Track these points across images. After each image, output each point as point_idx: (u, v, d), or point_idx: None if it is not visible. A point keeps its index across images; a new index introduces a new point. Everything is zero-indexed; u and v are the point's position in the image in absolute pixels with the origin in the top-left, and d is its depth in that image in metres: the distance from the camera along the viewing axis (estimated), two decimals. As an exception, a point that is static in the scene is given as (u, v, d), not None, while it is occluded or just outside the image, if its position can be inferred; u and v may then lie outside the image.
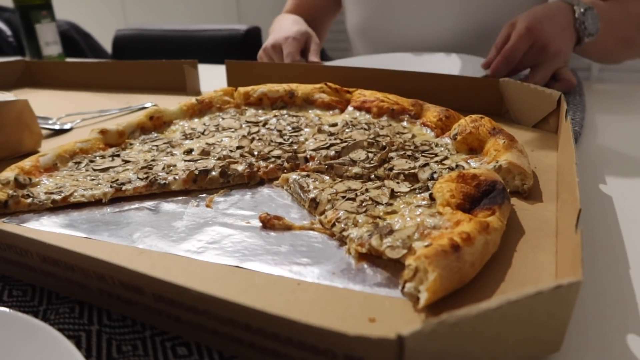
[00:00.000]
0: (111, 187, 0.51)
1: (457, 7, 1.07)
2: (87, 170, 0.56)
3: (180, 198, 0.51)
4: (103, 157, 0.59)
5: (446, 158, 0.54)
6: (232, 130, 0.67)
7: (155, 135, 0.66)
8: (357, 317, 0.33)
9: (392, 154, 0.56)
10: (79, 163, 0.58)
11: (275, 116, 0.71)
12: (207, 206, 0.49)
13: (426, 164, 0.52)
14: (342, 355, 0.26)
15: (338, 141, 0.59)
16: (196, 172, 0.53)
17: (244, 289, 0.36)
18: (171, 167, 0.55)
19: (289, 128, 0.66)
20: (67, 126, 0.77)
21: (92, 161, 0.58)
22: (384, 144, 0.57)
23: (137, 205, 0.50)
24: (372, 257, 0.39)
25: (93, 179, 0.54)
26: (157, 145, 0.62)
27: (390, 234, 0.39)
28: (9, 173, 0.52)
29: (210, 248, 0.42)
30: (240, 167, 0.54)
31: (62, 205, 0.50)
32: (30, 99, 0.65)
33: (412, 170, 0.51)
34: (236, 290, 0.36)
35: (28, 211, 0.49)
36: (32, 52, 1.34)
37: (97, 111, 0.84)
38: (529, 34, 0.79)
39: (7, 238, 0.37)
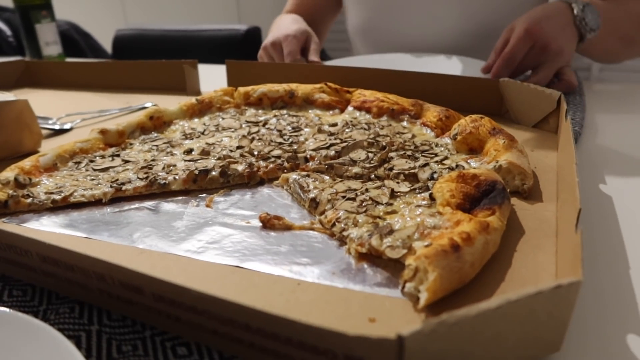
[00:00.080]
0: (111, 187, 0.51)
1: (458, 8, 1.07)
2: (87, 170, 0.56)
3: (180, 198, 0.51)
4: (103, 157, 0.59)
5: (446, 158, 0.54)
6: (232, 130, 0.67)
7: (155, 135, 0.66)
8: (357, 317, 0.33)
9: (392, 154, 0.56)
10: (79, 163, 0.58)
11: (275, 116, 0.71)
12: (207, 206, 0.50)
13: (426, 164, 0.52)
14: (342, 355, 0.26)
15: (338, 141, 0.59)
16: (196, 172, 0.53)
17: (244, 289, 0.36)
18: (171, 167, 0.55)
19: (289, 128, 0.66)
20: (67, 126, 0.77)
21: (92, 161, 0.58)
22: (384, 144, 0.57)
23: (137, 205, 0.50)
24: (372, 257, 0.39)
25: (93, 179, 0.54)
26: (157, 145, 0.62)
27: (390, 233, 0.39)
28: (9, 173, 0.52)
29: (210, 248, 0.42)
30: (240, 167, 0.54)
31: (62, 205, 0.50)
32: (30, 99, 0.65)
33: (412, 170, 0.51)
34: (236, 290, 0.36)
35: (28, 211, 0.49)
36: (32, 52, 1.34)
37: (97, 111, 0.84)
38: (528, 36, 0.79)
39: (7, 238, 0.37)
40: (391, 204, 0.45)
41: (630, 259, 0.41)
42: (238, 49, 1.74)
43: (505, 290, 0.35)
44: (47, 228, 0.46)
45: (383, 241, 0.39)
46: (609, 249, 0.43)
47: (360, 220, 0.42)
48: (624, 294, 0.37)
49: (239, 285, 0.37)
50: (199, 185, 0.53)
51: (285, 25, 1.07)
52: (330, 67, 0.88)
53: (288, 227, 0.45)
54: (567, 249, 0.35)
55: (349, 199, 0.46)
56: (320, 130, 0.64)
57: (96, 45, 2.02)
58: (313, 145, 0.59)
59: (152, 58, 1.04)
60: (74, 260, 0.34)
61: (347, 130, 0.63)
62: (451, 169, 0.51)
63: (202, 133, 0.66)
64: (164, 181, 0.52)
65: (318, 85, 0.75)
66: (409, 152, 0.56)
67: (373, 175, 0.52)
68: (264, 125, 0.68)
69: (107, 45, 2.03)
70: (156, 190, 0.52)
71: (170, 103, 0.73)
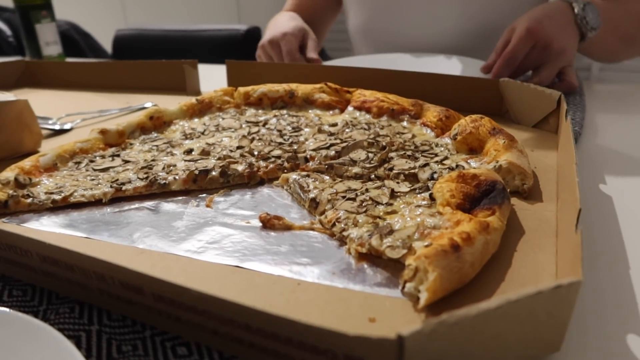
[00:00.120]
0: (111, 187, 0.51)
1: (458, 8, 1.07)
2: (87, 170, 0.56)
3: (180, 198, 0.51)
4: (103, 157, 0.59)
5: (446, 158, 0.54)
6: (232, 130, 0.67)
7: (155, 135, 0.66)
8: (357, 317, 0.33)
9: (392, 154, 0.56)
10: (79, 163, 0.58)
11: (275, 116, 0.71)
12: (207, 206, 0.50)
13: (426, 164, 0.52)
14: (342, 355, 0.26)
15: (338, 141, 0.59)
16: (196, 172, 0.53)
17: (244, 289, 0.36)
18: (171, 167, 0.55)
19: (289, 128, 0.66)
20: (67, 126, 0.77)
21: (92, 161, 0.58)
22: (384, 144, 0.57)
23: (137, 205, 0.50)
24: (372, 257, 0.39)
25: (93, 179, 0.54)
26: (157, 145, 0.62)
27: (390, 234, 0.39)
28: (9, 173, 0.52)
29: (210, 248, 0.42)
30: (240, 167, 0.54)
31: (62, 205, 0.50)
32: (30, 99, 0.65)
33: (412, 170, 0.51)
34: (236, 290, 0.36)
35: (28, 211, 0.49)
36: (32, 52, 1.34)
37: (97, 111, 0.84)
38: (529, 36, 0.79)
39: (7, 238, 0.37)
40: (391, 204, 0.45)
41: (630, 259, 0.41)
42: (238, 49, 1.74)
43: (505, 290, 0.35)
44: (47, 228, 0.46)
45: (383, 241, 0.39)
46: (609, 249, 0.43)
47: (360, 220, 0.42)
48: (624, 294, 0.37)
49: (239, 285, 0.37)
50: (199, 185, 0.53)
51: (282, 23, 1.07)
52: (330, 67, 0.88)
53: (288, 227, 0.45)
54: (567, 249, 0.35)
55: (349, 199, 0.46)
56: (320, 130, 0.64)
57: (96, 45, 2.02)
58: (313, 145, 0.59)
59: (152, 58, 1.04)
60: (74, 260, 0.34)
61: (347, 130, 0.63)
62: (451, 169, 0.51)
63: (202, 133, 0.66)
64: (164, 181, 0.52)
65: (318, 85, 0.75)
66: (409, 152, 0.56)
67: (373, 175, 0.52)
68: (264, 125, 0.68)
69: (107, 45, 2.03)
70: (156, 190, 0.52)
71: (170, 103, 0.73)
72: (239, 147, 0.60)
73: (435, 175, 0.50)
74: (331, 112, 0.72)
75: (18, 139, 0.63)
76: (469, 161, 0.53)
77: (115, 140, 0.64)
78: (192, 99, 0.74)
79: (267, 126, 0.67)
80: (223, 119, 0.71)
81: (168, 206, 0.50)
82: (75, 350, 0.27)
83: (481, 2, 1.06)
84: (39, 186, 0.52)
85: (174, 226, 0.46)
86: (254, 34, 1.79)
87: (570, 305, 0.28)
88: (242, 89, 0.76)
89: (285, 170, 0.55)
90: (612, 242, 0.44)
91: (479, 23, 1.07)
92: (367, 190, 0.48)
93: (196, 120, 0.71)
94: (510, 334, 0.28)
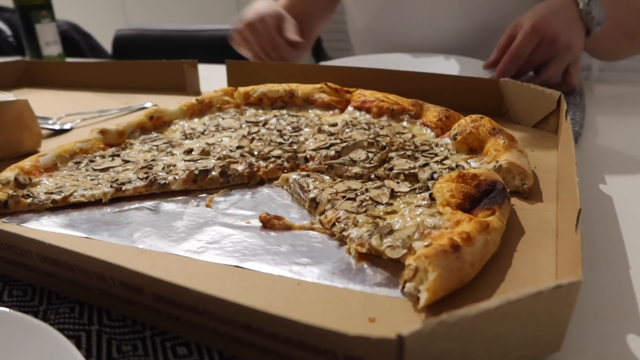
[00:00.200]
0: (111, 187, 0.51)
1: (458, 8, 1.07)
2: (87, 170, 0.56)
3: (180, 198, 0.51)
4: (103, 157, 0.59)
5: (446, 158, 0.54)
6: (232, 130, 0.67)
7: (155, 135, 0.66)
8: (357, 317, 0.33)
9: (392, 154, 0.56)
10: (79, 163, 0.58)
11: (275, 116, 0.71)
12: (207, 206, 0.50)
13: (426, 164, 0.52)
14: (342, 355, 0.26)
15: (338, 141, 0.59)
16: (196, 172, 0.53)
17: (244, 289, 0.36)
18: (171, 167, 0.55)
19: (289, 128, 0.66)
20: (67, 126, 0.77)
21: (92, 161, 0.58)
22: (384, 144, 0.57)
23: (137, 205, 0.50)
24: (372, 257, 0.39)
25: (93, 179, 0.54)
26: (157, 145, 0.62)
27: (390, 233, 0.39)
28: (9, 173, 0.52)
29: (210, 248, 0.42)
30: (240, 167, 0.54)
31: (62, 205, 0.50)
32: (30, 99, 0.65)
33: (412, 170, 0.51)
34: (236, 290, 0.36)
35: (28, 211, 0.49)
36: (32, 52, 1.34)
37: (97, 111, 0.84)
38: (535, 32, 0.78)
39: (7, 238, 0.37)
40: (391, 204, 0.45)
41: (630, 259, 0.41)
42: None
43: (505, 290, 0.35)
44: (47, 228, 0.46)
45: (383, 241, 0.39)
46: (609, 249, 0.43)
47: (360, 220, 0.42)
48: (624, 294, 0.37)
49: (239, 285, 0.37)
50: (199, 185, 0.53)
51: (257, 6, 1.04)
52: (330, 67, 0.88)
53: (288, 227, 0.45)
54: (567, 249, 0.35)
55: (349, 199, 0.46)
56: (320, 130, 0.64)
57: (96, 45, 2.02)
58: (313, 145, 0.59)
59: (152, 58, 1.04)
60: (74, 260, 0.34)
61: (347, 130, 0.63)
62: (451, 169, 0.51)
63: (202, 133, 0.66)
64: (164, 181, 0.52)
65: (318, 85, 0.75)
66: (409, 152, 0.56)
67: (373, 175, 0.52)
68: (264, 125, 0.68)
69: (107, 45, 2.03)
70: (156, 190, 0.52)
71: (170, 103, 0.73)
72: (239, 147, 0.60)
73: (435, 175, 0.50)
74: (331, 112, 0.72)
75: (18, 139, 0.63)
76: (469, 161, 0.53)
77: (115, 140, 0.64)
78: (192, 99, 0.74)
79: (267, 126, 0.67)
80: (223, 119, 0.71)
81: (168, 206, 0.50)
82: (75, 350, 0.27)
83: (481, 2, 1.06)
84: (39, 186, 0.52)
85: (174, 226, 0.46)
86: (254, 34, 1.78)
87: (570, 305, 0.28)
88: (242, 89, 0.76)
89: (285, 170, 0.55)
90: (612, 242, 0.44)
91: (479, 23, 1.07)
92: (367, 190, 0.48)
93: (196, 120, 0.71)
94: (510, 334, 0.28)
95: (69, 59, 1.42)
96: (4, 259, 0.39)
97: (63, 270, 0.35)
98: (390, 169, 0.52)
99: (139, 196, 0.52)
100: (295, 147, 0.59)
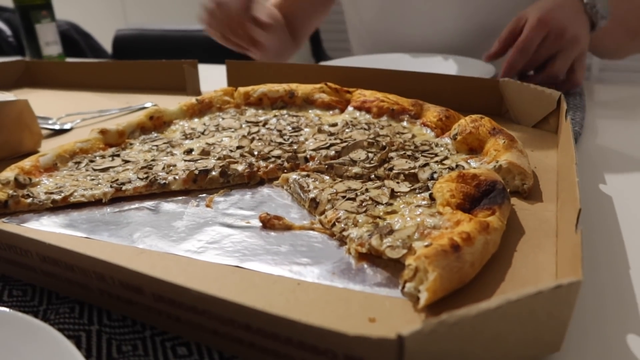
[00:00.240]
0: (111, 187, 0.51)
1: (457, 8, 1.07)
2: (87, 170, 0.56)
3: (180, 198, 0.51)
4: (103, 157, 0.59)
5: (446, 158, 0.54)
6: (232, 130, 0.67)
7: (155, 135, 0.66)
8: (357, 317, 0.33)
9: (392, 154, 0.56)
10: (79, 163, 0.58)
11: (275, 116, 0.71)
12: (207, 206, 0.49)
13: (426, 164, 0.52)
14: (342, 355, 0.26)
15: (338, 141, 0.59)
16: (196, 172, 0.53)
17: (244, 289, 0.36)
18: (171, 167, 0.55)
19: (289, 128, 0.66)
20: (67, 126, 0.77)
21: (92, 161, 0.58)
22: (384, 144, 0.57)
23: (137, 205, 0.50)
24: (372, 257, 0.39)
25: (93, 179, 0.54)
26: (157, 145, 0.62)
27: (390, 233, 0.39)
28: (9, 173, 0.52)
29: (210, 248, 0.42)
30: (240, 167, 0.54)
31: (62, 205, 0.50)
32: (30, 99, 0.65)
33: (412, 170, 0.51)
34: (236, 290, 0.36)
35: (28, 211, 0.49)
36: (32, 52, 1.34)
37: (97, 111, 0.84)
38: (542, 25, 0.78)
39: (7, 238, 0.37)
40: (391, 204, 0.45)
41: (630, 259, 0.41)
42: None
43: (505, 290, 0.35)
44: (47, 228, 0.46)
45: (383, 241, 0.39)
46: (609, 249, 0.43)
47: (360, 220, 0.42)
48: (624, 294, 0.37)
49: (239, 285, 0.37)
50: (199, 185, 0.53)
51: None
52: (330, 67, 0.88)
53: (288, 227, 0.45)
54: (567, 249, 0.35)
55: (349, 199, 0.46)
56: (320, 130, 0.64)
57: (96, 45, 2.02)
58: (313, 145, 0.59)
59: (152, 58, 1.04)
60: (74, 260, 0.34)
61: (347, 130, 0.63)
62: (451, 169, 0.51)
63: (202, 133, 0.66)
64: (164, 181, 0.52)
65: (318, 85, 0.75)
66: (409, 152, 0.56)
67: (373, 175, 0.52)
68: (264, 125, 0.68)
69: (107, 45, 2.03)
70: (156, 190, 0.52)
71: (170, 103, 0.73)
72: (239, 147, 0.60)
73: (435, 175, 0.50)
74: (331, 112, 0.72)
75: (18, 139, 0.63)
76: (469, 161, 0.53)
77: (115, 140, 0.64)
78: (192, 99, 0.74)
79: (267, 126, 0.67)
80: (223, 119, 0.71)
81: (168, 206, 0.50)
82: (75, 350, 0.27)
83: (480, 2, 1.06)
84: (39, 186, 0.52)
85: (174, 226, 0.46)
86: (254, 34, 1.78)
87: (570, 305, 0.28)
88: (242, 89, 0.76)
89: (285, 170, 0.55)
90: (612, 242, 0.44)
91: (478, 23, 1.07)
92: (367, 190, 0.48)
93: (196, 120, 0.71)
94: (510, 334, 0.28)
95: (69, 59, 1.42)
96: (4, 259, 0.39)
97: (63, 270, 0.35)
98: (390, 169, 0.52)
99: (139, 196, 0.52)
100: (295, 147, 0.59)
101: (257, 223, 0.46)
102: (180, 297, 0.30)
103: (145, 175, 0.53)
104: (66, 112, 0.83)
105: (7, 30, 1.83)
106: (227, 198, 0.51)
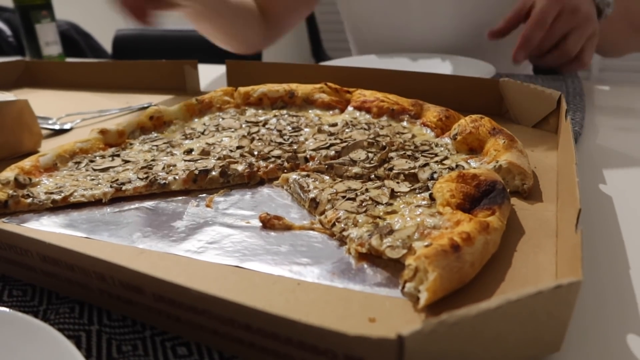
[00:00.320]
0: (111, 187, 0.51)
1: (453, 8, 1.07)
2: (87, 170, 0.56)
3: (180, 198, 0.51)
4: (103, 157, 0.59)
5: (446, 158, 0.54)
6: (232, 130, 0.67)
7: (155, 135, 0.66)
8: (357, 317, 0.33)
9: (392, 154, 0.56)
10: (79, 163, 0.58)
11: (275, 116, 0.71)
12: (207, 206, 0.50)
13: (426, 164, 0.52)
14: (342, 355, 0.26)
15: (338, 141, 0.59)
16: (196, 172, 0.53)
17: (244, 289, 0.36)
18: (171, 167, 0.55)
19: (289, 128, 0.66)
20: (67, 126, 0.77)
21: (92, 161, 0.58)
22: (384, 144, 0.57)
23: (137, 205, 0.50)
24: (372, 257, 0.39)
25: (93, 179, 0.54)
26: (157, 145, 0.62)
27: (390, 233, 0.39)
28: (9, 173, 0.52)
29: (210, 248, 0.42)
30: (240, 167, 0.54)
31: (62, 205, 0.50)
32: (30, 99, 0.65)
33: (412, 170, 0.51)
34: (236, 290, 0.36)
35: (28, 211, 0.49)
36: (32, 52, 1.34)
37: (97, 111, 0.84)
38: (556, 1, 0.77)
39: (7, 238, 0.37)
40: (391, 204, 0.45)
41: (630, 259, 0.41)
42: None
43: (505, 290, 0.35)
44: (47, 228, 0.46)
45: (383, 241, 0.39)
46: (609, 249, 0.43)
47: (360, 220, 0.42)
48: (624, 294, 0.37)
49: (239, 285, 0.37)
50: (199, 185, 0.53)
51: None
52: (330, 67, 0.88)
53: (288, 227, 0.45)
54: (567, 249, 0.35)
55: (349, 199, 0.46)
56: (320, 130, 0.64)
57: (96, 45, 2.02)
58: (313, 145, 0.59)
59: (152, 58, 1.04)
60: (74, 260, 0.34)
61: (347, 130, 0.63)
62: (451, 169, 0.51)
63: (202, 133, 0.66)
64: (164, 181, 0.52)
65: (318, 85, 0.75)
66: (409, 152, 0.56)
67: (373, 175, 0.52)
68: (264, 125, 0.68)
69: (107, 45, 2.03)
70: (156, 190, 0.52)
71: (170, 103, 0.73)
72: (239, 147, 0.60)
73: (435, 175, 0.50)
74: (331, 112, 0.72)
75: (18, 139, 0.63)
76: (469, 161, 0.53)
77: (115, 140, 0.64)
78: (192, 99, 0.74)
79: (267, 126, 0.67)
80: (223, 119, 0.71)
81: (168, 206, 0.50)
82: (75, 350, 0.27)
83: (476, 2, 1.06)
84: (39, 186, 0.52)
85: (174, 226, 0.46)
86: (254, 34, 1.78)
87: (570, 305, 0.28)
88: (242, 89, 0.76)
89: (285, 170, 0.55)
90: (612, 242, 0.44)
91: (474, 23, 1.07)
92: (367, 190, 0.48)
93: (196, 120, 0.71)
94: (510, 334, 0.28)
95: (69, 59, 1.42)
96: (4, 259, 0.39)
97: (63, 270, 0.35)
98: (390, 169, 0.52)
99: (139, 196, 0.52)
100: (295, 147, 0.59)
101: (257, 223, 0.46)
102: (180, 297, 0.30)
103: (145, 175, 0.53)
104: (66, 112, 0.83)
105: (7, 30, 1.83)
106: (227, 198, 0.51)
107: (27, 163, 0.55)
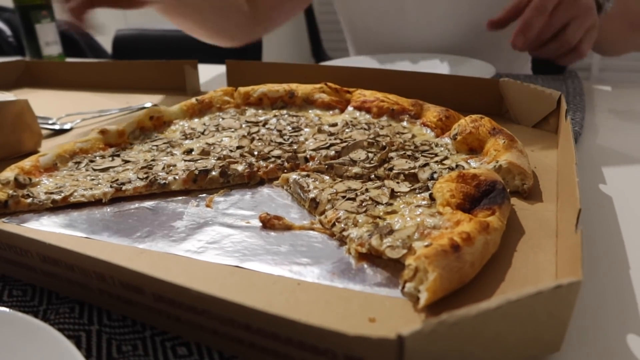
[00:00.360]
0: (111, 187, 0.51)
1: (450, 8, 1.07)
2: (87, 170, 0.56)
3: (180, 198, 0.51)
4: (103, 157, 0.59)
5: (446, 158, 0.54)
6: (232, 130, 0.67)
7: (155, 135, 0.66)
8: (357, 317, 0.33)
9: (392, 154, 0.56)
10: (79, 163, 0.58)
11: (275, 116, 0.71)
12: (207, 206, 0.50)
13: (426, 164, 0.52)
14: (342, 355, 0.26)
15: (338, 141, 0.59)
16: (196, 172, 0.53)
17: (244, 289, 0.36)
18: (171, 167, 0.55)
19: (289, 128, 0.66)
20: (67, 126, 0.77)
21: (92, 161, 0.58)
22: (384, 144, 0.57)
23: (137, 205, 0.50)
24: (372, 257, 0.39)
25: (93, 179, 0.54)
26: (157, 145, 0.62)
27: (390, 233, 0.39)
28: (9, 173, 0.52)
29: (210, 248, 0.42)
30: (240, 167, 0.54)
31: (62, 205, 0.50)
32: (30, 99, 0.65)
33: (412, 170, 0.51)
34: (236, 290, 0.36)
35: (28, 211, 0.49)
36: (32, 52, 1.34)
37: (97, 111, 0.84)
38: None
39: (7, 238, 0.37)
40: (391, 204, 0.45)
41: (630, 259, 0.41)
42: (238, 49, 1.74)
43: (505, 290, 0.35)
44: (47, 228, 0.46)
45: (383, 241, 0.39)
46: (609, 249, 0.43)
47: (360, 220, 0.42)
48: (624, 294, 0.37)
49: (239, 285, 0.37)
50: (199, 185, 0.53)
51: None
52: (330, 67, 0.88)
53: (288, 227, 0.45)
54: (567, 249, 0.35)
55: (349, 199, 0.46)
56: (320, 130, 0.64)
57: (96, 45, 2.02)
58: (313, 145, 0.59)
59: (152, 58, 1.04)
60: (74, 260, 0.34)
61: (347, 130, 0.63)
62: (451, 169, 0.51)
63: (202, 133, 0.66)
64: (164, 181, 0.52)
65: (318, 85, 0.75)
66: (409, 152, 0.56)
67: (373, 175, 0.52)
68: (264, 125, 0.68)
69: (107, 45, 2.03)
70: (156, 190, 0.52)
71: (170, 103, 0.73)
72: (239, 147, 0.60)
73: (435, 175, 0.50)
74: (331, 112, 0.72)
75: (18, 139, 0.63)
76: (469, 161, 0.53)
77: (115, 140, 0.64)
78: (192, 99, 0.74)
79: (267, 126, 0.67)
80: (223, 119, 0.71)
81: (168, 206, 0.50)
82: (75, 350, 0.27)
83: (472, 3, 1.06)
84: (39, 186, 0.52)
85: (174, 226, 0.46)
86: (254, 34, 1.78)
87: (570, 305, 0.28)
88: (242, 89, 0.76)
89: (285, 170, 0.55)
90: (612, 242, 0.44)
91: (471, 23, 1.07)
92: (367, 190, 0.48)
93: (196, 120, 0.71)
94: (510, 334, 0.28)
95: (69, 59, 1.42)
96: (4, 259, 0.39)
97: (63, 270, 0.35)
98: (390, 169, 0.52)
99: (139, 196, 0.52)
100: (295, 147, 0.59)
101: (257, 223, 0.46)
102: (180, 297, 0.30)
103: (145, 175, 0.53)
104: (66, 112, 0.83)
105: (7, 30, 1.83)
106: (227, 198, 0.51)
107: (27, 163, 0.55)
